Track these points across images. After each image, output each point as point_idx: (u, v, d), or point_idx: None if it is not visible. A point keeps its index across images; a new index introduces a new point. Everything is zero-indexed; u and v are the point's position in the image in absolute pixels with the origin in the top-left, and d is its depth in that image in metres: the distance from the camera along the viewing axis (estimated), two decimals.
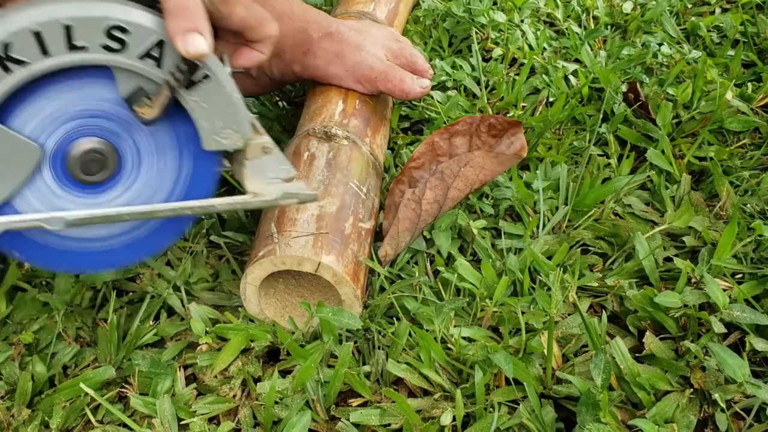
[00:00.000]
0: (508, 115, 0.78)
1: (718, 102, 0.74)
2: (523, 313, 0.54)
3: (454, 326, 0.54)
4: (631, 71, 0.83)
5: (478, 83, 0.83)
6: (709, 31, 0.92)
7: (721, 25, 0.93)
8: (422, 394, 0.51)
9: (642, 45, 0.89)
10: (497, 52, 0.88)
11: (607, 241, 0.62)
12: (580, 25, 0.95)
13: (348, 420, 0.48)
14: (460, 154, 0.63)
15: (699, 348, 0.50)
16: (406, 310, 0.55)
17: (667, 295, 0.53)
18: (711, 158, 0.69)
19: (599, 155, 0.72)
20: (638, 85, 0.78)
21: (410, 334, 0.53)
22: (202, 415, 0.49)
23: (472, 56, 0.87)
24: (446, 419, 0.47)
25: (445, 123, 0.75)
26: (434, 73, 0.71)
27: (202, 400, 0.50)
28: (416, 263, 0.60)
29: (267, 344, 0.53)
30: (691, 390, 0.49)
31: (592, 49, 0.89)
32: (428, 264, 0.60)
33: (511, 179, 0.66)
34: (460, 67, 0.86)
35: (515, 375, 0.49)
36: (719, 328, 0.51)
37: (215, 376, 0.52)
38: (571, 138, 0.73)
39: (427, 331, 0.52)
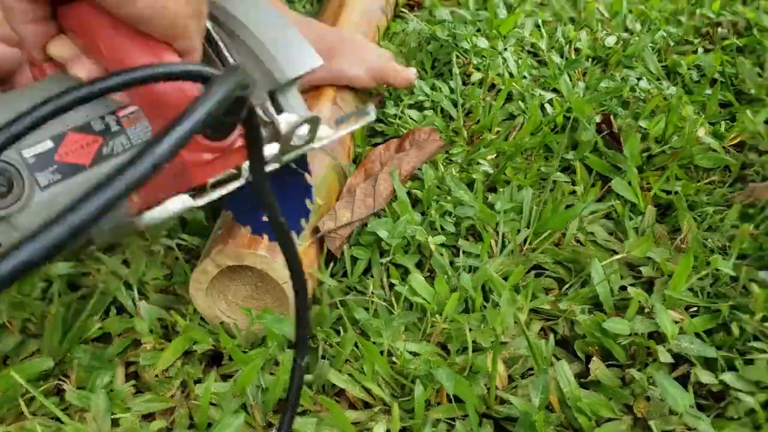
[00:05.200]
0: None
1: (688, 138, 0.75)
2: (471, 330, 0.53)
3: (403, 340, 0.53)
4: (607, 103, 0.84)
5: (456, 105, 0.84)
6: (689, 69, 0.93)
7: (701, 64, 0.94)
8: (363, 406, 0.51)
9: (621, 79, 0.90)
10: (476, 76, 0.89)
11: (565, 267, 0.62)
12: (561, 56, 0.96)
13: None
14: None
15: (644, 377, 0.50)
16: (355, 320, 0.55)
17: (616, 321, 0.53)
18: (676, 192, 0.69)
19: (566, 182, 0.73)
20: (612, 116, 0.78)
21: (356, 346, 0.52)
22: (136, 411, 0.48)
23: (452, 79, 0.88)
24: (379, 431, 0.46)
25: None
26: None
27: (140, 397, 0.50)
28: (372, 276, 0.60)
29: (210, 347, 0.53)
30: (632, 418, 0.48)
31: (570, 80, 0.89)
32: (384, 277, 0.60)
33: (476, 199, 0.66)
34: (440, 89, 0.87)
35: (456, 392, 0.48)
36: (666, 357, 0.51)
37: (156, 375, 0.52)
38: (540, 163, 0.74)
39: (374, 343, 0.52)
